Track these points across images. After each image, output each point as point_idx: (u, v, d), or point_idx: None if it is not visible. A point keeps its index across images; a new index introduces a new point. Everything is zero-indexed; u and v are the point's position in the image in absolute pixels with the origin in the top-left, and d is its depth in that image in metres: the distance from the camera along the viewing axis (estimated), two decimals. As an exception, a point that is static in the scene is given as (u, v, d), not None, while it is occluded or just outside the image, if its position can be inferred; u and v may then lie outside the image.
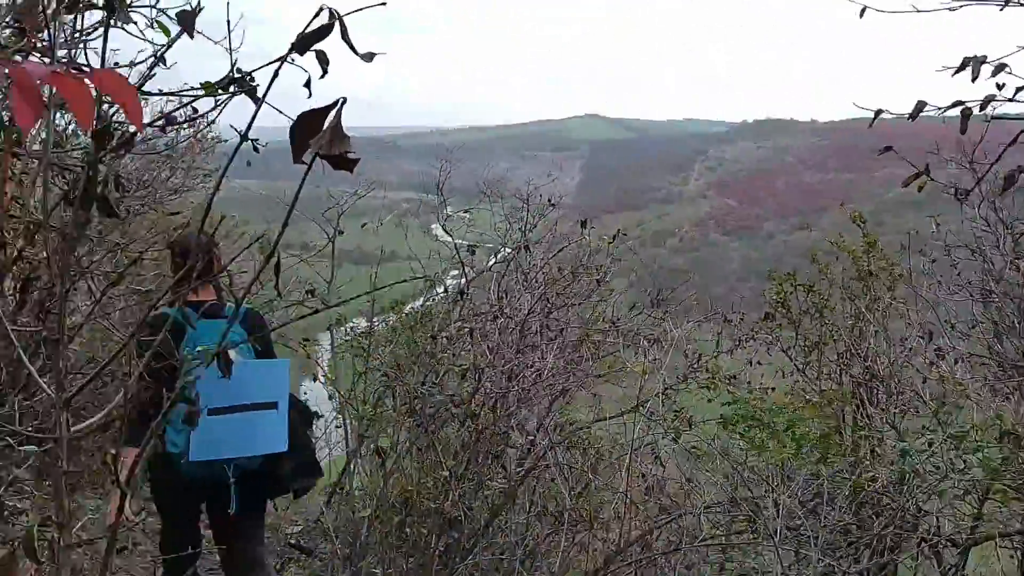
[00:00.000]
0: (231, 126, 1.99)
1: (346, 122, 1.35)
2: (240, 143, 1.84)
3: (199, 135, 8.48)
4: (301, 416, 3.84)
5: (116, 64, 2.84)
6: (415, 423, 4.80)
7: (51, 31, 1.97)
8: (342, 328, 6.03)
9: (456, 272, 6.09)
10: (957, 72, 2.55)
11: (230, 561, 3.87)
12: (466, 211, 6.29)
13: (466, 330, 5.26)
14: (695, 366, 5.84)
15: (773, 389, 6.13)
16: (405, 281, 4.10)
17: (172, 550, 3.60)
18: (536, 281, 5.85)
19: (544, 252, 6.20)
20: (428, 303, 6.00)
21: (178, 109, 2.63)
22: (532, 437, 5.15)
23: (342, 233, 5.95)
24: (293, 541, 5.59)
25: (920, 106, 2.66)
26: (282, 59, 1.46)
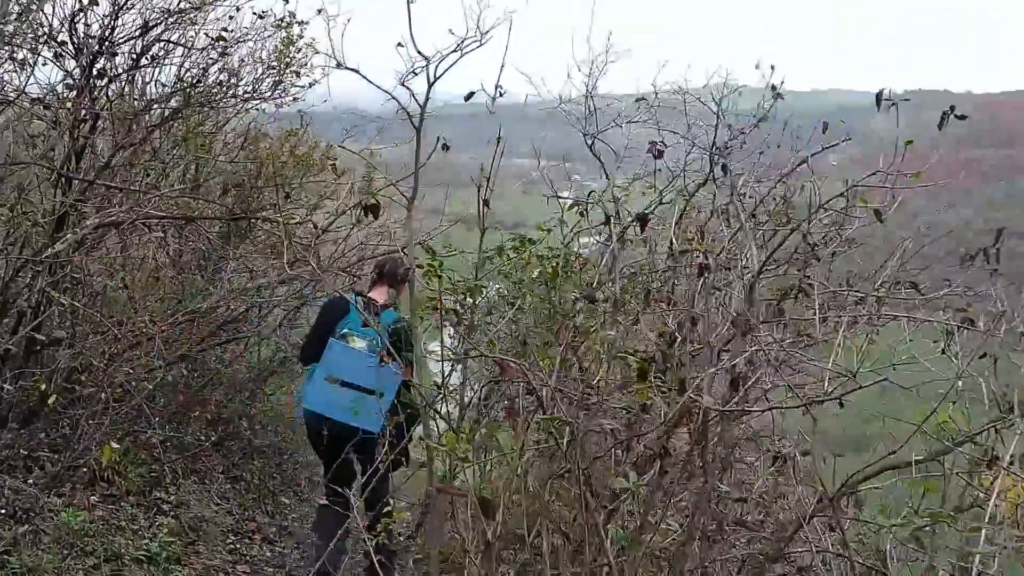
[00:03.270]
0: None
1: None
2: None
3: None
4: (408, 416, 3.95)
5: None
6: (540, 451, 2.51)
7: None
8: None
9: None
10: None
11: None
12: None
13: (653, 285, 2.93)
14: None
15: None
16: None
17: (326, 484, 4.78)
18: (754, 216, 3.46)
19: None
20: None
21: None
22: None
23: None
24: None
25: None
26: None
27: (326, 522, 4.78)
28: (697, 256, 3.21)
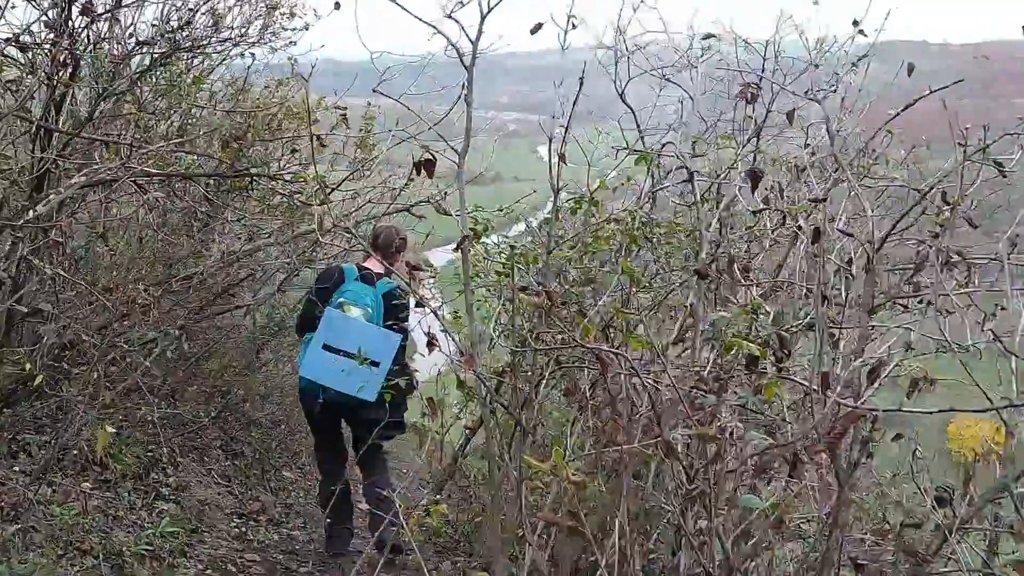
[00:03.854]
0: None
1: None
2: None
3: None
4: (408, 387, 4.29)
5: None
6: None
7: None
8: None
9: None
10: None
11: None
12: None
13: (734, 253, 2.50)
14: None
15: None
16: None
17: (318, 457, 5.16)
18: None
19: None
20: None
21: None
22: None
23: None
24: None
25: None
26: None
27: (334, 502, 4.67)
28: (786, 217, 2.78)
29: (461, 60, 2.64)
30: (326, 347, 4.43)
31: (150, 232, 6.06)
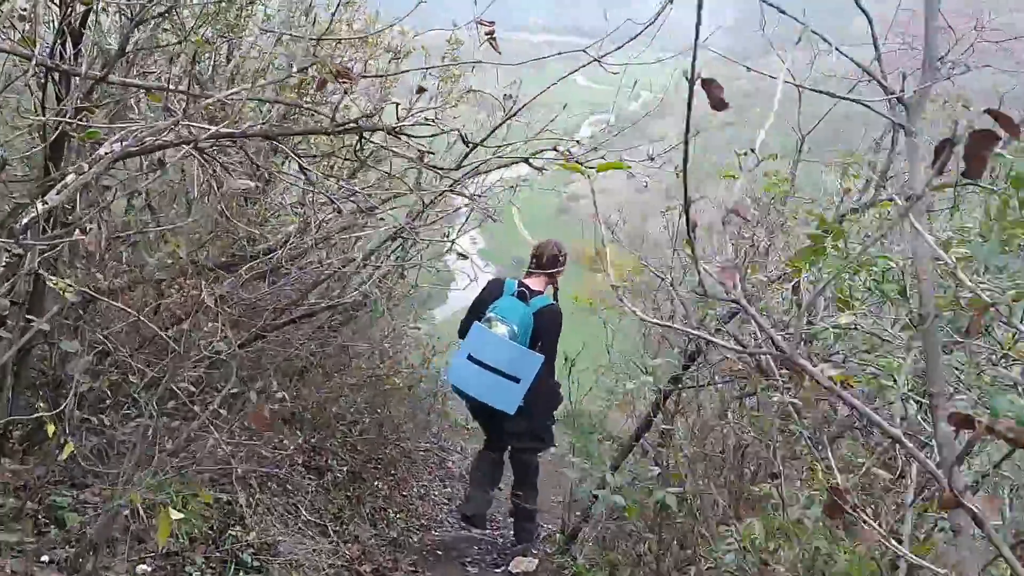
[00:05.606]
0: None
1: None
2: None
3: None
4: (549, 404, 4.90)
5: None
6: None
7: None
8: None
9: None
10: None
11: None
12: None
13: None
14: None
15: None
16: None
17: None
18: None
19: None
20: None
21: None
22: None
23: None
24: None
25: None
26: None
27: (481, 469, 5.17)
28: None
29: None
30: (470, 358, 4.64)
31: (201, 196, 4.72)
